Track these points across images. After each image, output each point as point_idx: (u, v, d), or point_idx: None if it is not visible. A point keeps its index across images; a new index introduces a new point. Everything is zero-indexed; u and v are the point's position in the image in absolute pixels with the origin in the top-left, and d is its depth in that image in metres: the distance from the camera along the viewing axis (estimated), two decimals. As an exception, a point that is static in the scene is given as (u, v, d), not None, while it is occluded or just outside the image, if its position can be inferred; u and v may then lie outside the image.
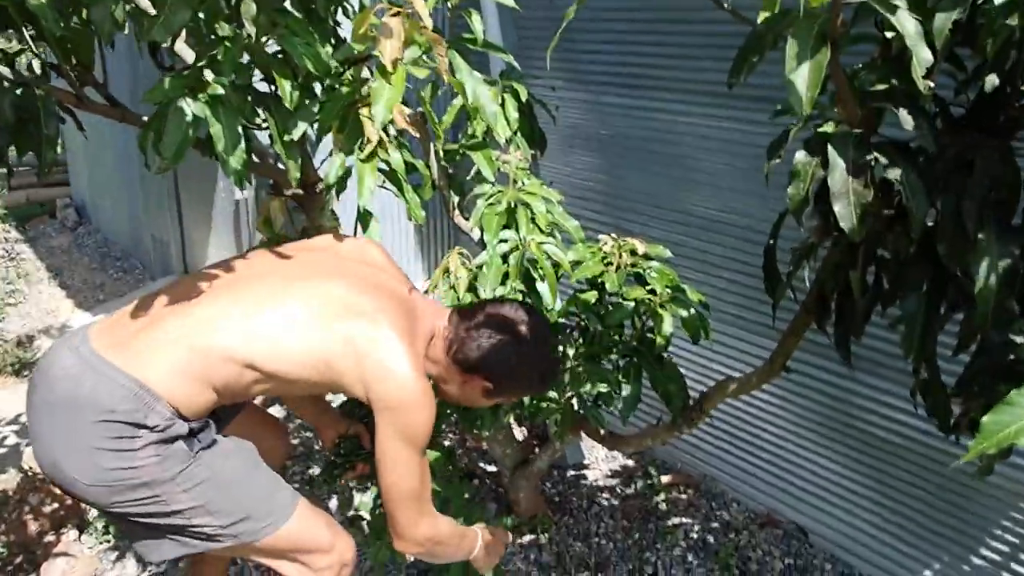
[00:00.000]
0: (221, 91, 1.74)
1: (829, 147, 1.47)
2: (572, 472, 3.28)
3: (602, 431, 2.43)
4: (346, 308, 1.73)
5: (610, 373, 2.24)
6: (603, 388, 2.27)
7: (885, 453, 2.59)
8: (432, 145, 2.81)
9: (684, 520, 2.98)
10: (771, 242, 1.75)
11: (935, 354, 1.50)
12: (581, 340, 2.47)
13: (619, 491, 3.15)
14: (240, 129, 1.74)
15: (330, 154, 2.29)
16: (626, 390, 2.30)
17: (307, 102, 1.85)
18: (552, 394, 2.31)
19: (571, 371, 2.24)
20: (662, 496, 3.09)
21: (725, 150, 2.81)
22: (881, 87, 1.62)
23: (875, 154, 1.47)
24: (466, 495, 3.06)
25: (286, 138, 1.82)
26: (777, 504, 2.99)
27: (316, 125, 1.88)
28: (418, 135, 2.43)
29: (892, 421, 2.54)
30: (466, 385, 1.88)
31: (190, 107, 1.71)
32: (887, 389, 2.52)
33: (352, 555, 1.96)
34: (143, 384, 1.64)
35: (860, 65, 1.67)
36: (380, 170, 2.45)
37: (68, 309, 5.19)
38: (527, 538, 2.88)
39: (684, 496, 3.12)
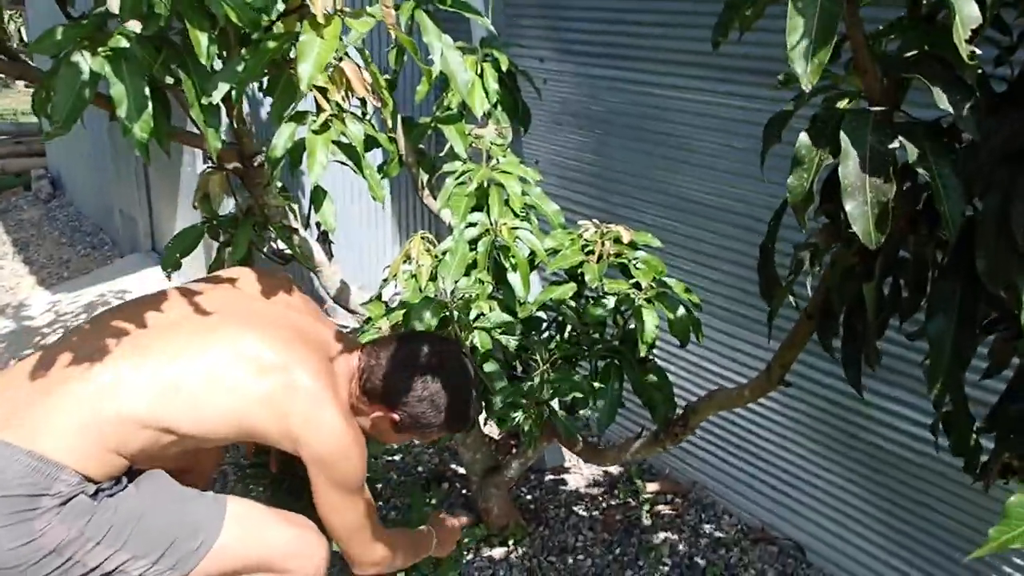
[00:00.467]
0: (125, 44, 1.47)
1: (841, 129, 1.19)
2: (550, 476, 3.03)
3: (579, 442, 2.17)
4: (261, 363, 1.59)
5: (583, 380, 1.97)
6: (579, 395, 2.01)
7: (893, 467, 2.33)
8: (398, 117, 2.55)
9: (670, 535, 2.72)
10: (768, 238, 1.48)
11: (963, 384, 1.23)
12: (557, 338, 2.21)
13: (600, 499, 2.90)
14: (148, 90, 1.47)
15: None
16: (604, 397, 2.05)
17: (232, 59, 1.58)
18: (522, 400, 2.04)
19: (540, 376, 1.97)
20: (647, 507, 2.83)
21: (723, 128, 2.54)
22: (909, 54, 1.34)
23: (900, 139, 1.20)
24: (433, 501, 2.82)
25: (204, 101, 1.55)
26: (772, 518, 2.73)
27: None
28: (379, 104, 2.16)
29: (901, 432, 2.28)
30: (375, 417, 1.75)
31: (87, 61, 1.44)
32: (897, 397, 2.26)
33: (324, 551, 1.78)
34: (43, 457, 1.46)
35: (881, 27, 1.40)
36: (337, 143, 2.20)
37: (29, 286, 4.93)
38: (497, 551, 2.63)
39: (671, 506, 2.86)
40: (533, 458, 2.44)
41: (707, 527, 2.78)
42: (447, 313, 2.01)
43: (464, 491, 2.92)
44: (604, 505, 2.87)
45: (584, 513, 2.83)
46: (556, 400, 2.04)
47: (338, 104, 1.86)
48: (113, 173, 5.13)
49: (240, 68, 1.53)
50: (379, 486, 2.94)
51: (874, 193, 1.13)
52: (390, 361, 1.69)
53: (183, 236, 2.16)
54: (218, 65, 1.58)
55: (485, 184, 2.32)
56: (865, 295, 1.22)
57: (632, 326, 2.09)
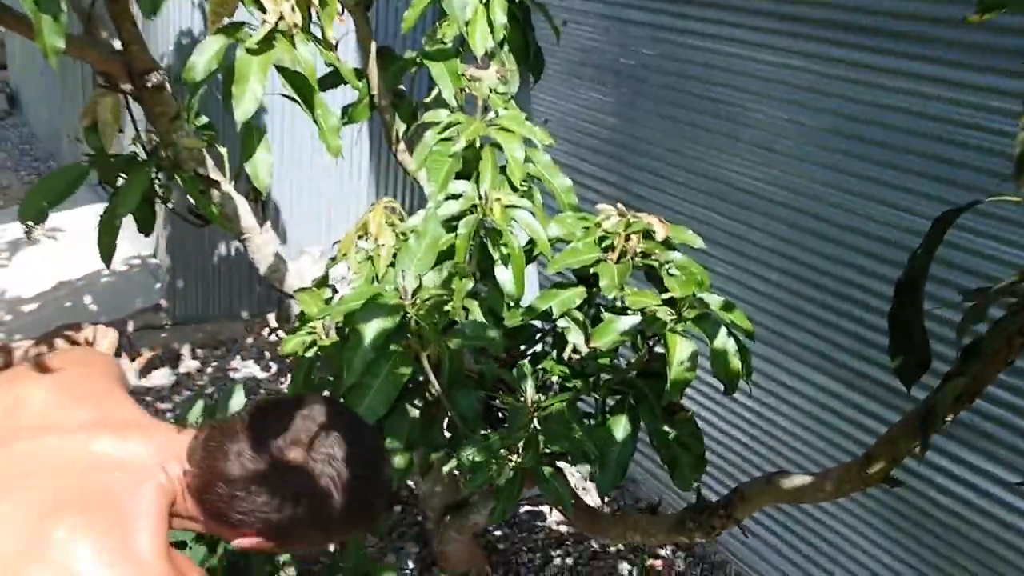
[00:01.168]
0: None
1: None
2: (526, 508, 2.49)
3: (571, 506, 1.61)
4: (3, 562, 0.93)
5: (585, 433, 1.41)
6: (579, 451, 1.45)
7: (969, 557, 1.79)
8: (372, 47, 1.97)
9: (670, 603, 2.19)
10: (913, 272, 0.90)
11: None
12: (554, 359, 1.65)
13: (585, 545, 2.35)
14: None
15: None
16: (610, 450, 1.49)
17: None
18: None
19: (527, 421, 1.41)
20: (644, 559, 2.29)
21: (789, 98, 1.99)
22: None
23: None
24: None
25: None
26: (798, 593, 2.19)
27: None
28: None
29: (987, 516, 1.73)
30: (244, 540, 1.06)
31: None
32: (984, 469, 1.72)
33: None
34: None
35: None
36: (282, 70, 1.65)
37: (-44, 213, 4.34)
38: (453, 607, 2.09)
39: (674, 562, 2.32)
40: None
41: (716, 595, 2.25)
42: (405, 318, 1.44)
43: (419, 518, 2.37)
44: (590, 552, 2.32)
45: (563, 562, 2.29)
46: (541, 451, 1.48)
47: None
48: (60, 93, 4.52)
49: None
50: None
51: None
52: (231, 466, 1.03)
53: (55, 178, 1.58)
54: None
55: (477, 143, 1.75)
56: None
57: (660, 353, 1.53)
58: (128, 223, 1.76)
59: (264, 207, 1.85)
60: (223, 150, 1.79)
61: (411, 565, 2.23)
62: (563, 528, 2.42)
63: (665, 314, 1.49)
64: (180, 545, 1.80)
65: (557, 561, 2.29)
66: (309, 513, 1.02)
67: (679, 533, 1.44)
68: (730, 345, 1.48)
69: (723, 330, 1.49)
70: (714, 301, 1.51)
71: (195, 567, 1.06)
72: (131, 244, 3.69)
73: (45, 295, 3.46)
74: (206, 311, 3.33)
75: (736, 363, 1.47)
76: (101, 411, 1.09)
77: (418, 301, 1.43)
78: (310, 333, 1.60)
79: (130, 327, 3.27)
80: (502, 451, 1.43)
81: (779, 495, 1.24)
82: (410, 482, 2.51)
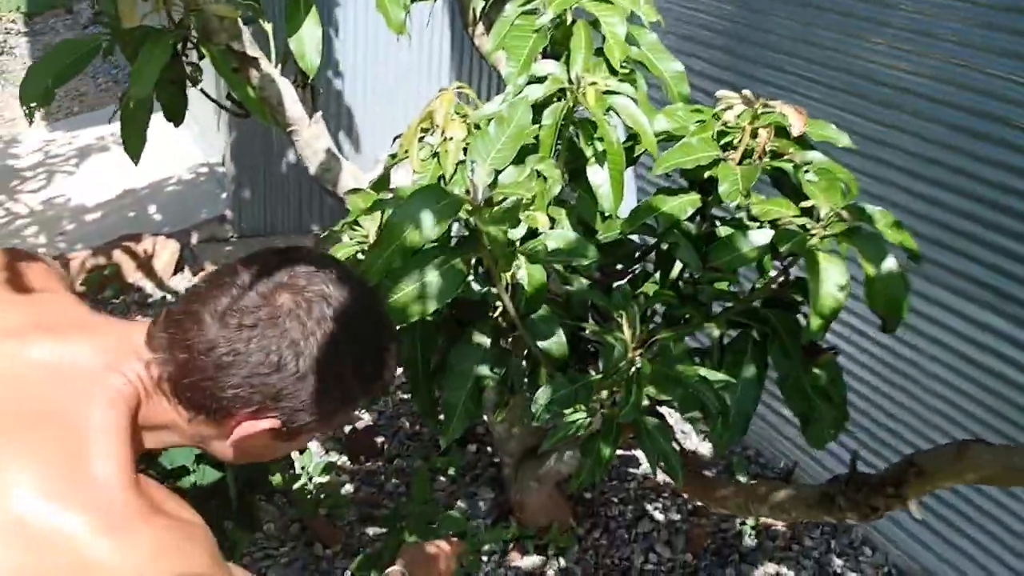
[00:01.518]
0: None
1: None
2: (617, 452, 2.20)
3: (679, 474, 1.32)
4: None
5: (700, 381, 1.10)
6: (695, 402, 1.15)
7: None
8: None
9: (783, 569, 1.90)
10: None
11: None
12: (658, 282, 1.35)
13: (686, 500, 2.07)
14: None
15: None
16: (730, 397, 1.19)
17: None
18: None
19: (623, 364, 1.11)
20: (753, 520, 2.00)
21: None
22: None
23: None
24: (451, 471, 2.03)
25: None
26: (936, 562, 1.88)
27: None
28: None
29: None
30: (241, 432, 0.83)
31: None
32: None
33: None
34: None
35: None
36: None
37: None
38: (531, 561, 1.85)
39: (788, 524, 2.02)
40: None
41: (838, 562, 1.93)
42: (471, 223, 1.14)
43: (495, 459, 2.12)
44: (690, 508, 2.04)
45: (661, 517, 2.01)
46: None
47: None
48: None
49: None
50: (381, 440, 2.16)
51: None
52: (215, 332, 0.80)
53: (62, 52, 1.33)
54: None
55: (568, 17, 1.43)
56: None
57: (796, 279, 1.23)
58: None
59: (315, 96, 1.56)
60: (268, 26, 1.51)
61: (484, 512, 1.98)
62: (660, 477, 2.14)
63: (805, 228, 1.16)
64: (182, 471, 1.56)
65: (657, 516, 2.01)
66: (315, 365, 0.81)
67: (825, 512, 1.13)
68: (890, 268, 1.15)
69: (884, 252, 1.16)
70: (876, 214, 1.18)
71: (172, 496, 0.83)
72: (201, 151, 3.49)
73: (110, 203, 3.30)
74: (274, 224, 3.10)
75: (902, 294, 1.14)
76: (35, 313, 0.86)
77: (492, 201, 1.13)
78: (361, 241, 1.33)
79: (194, 239, 3.07)
80: (593, 399, 1.14)
81: (976, 472, 0.91)
82: (486, 417, 2.25)
